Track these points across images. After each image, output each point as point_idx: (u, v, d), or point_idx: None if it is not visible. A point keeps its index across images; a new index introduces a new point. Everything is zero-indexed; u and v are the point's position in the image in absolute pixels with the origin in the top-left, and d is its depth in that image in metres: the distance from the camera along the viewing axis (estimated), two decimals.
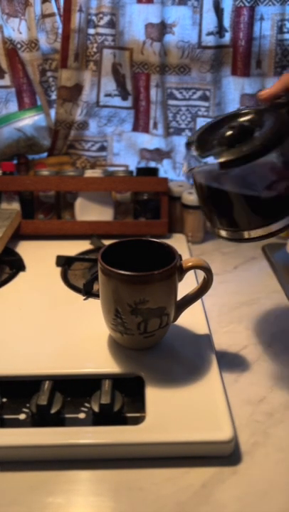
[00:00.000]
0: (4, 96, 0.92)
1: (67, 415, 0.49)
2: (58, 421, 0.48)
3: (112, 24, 0.88)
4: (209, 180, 0.49)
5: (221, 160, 0.45)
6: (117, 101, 0.95)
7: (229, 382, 0.54)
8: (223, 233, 0.52)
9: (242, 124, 0.48)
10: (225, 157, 0.45)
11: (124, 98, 0.95)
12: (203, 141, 0.49)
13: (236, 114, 0.51)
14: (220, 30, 0.88)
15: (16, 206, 0.90)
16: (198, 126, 0.95)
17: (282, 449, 0.46)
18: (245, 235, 0.51)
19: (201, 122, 0.95)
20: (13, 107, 0.94)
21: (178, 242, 0.85)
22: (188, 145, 0.50)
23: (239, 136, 0.47)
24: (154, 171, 0.94)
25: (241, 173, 0.45)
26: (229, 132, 0.48)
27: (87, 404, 0.50)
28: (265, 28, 0.88)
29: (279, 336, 0.62)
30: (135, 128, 0.98)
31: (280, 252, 0.83)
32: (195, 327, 0.61)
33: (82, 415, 0.49)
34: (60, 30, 0.88)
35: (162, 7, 0.86)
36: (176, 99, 0.93)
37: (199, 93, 0.93)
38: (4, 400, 0.50)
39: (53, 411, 0.47)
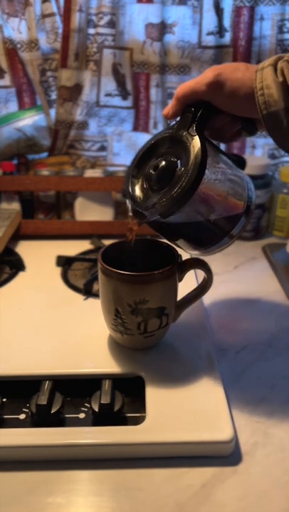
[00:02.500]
0: (4, 96, 0.92)
1: (67, 415, 0.49)
2: (58, 421, 0.48)
3: (112, 24, 0.88)
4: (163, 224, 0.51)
5: (161, 213, 0.47)
6: (117, 101, 0.94)
7: (229, 382, 0.54)
8: (201, 250, 0.55)
9: (163, 165, 0.49)
10: (162, 208, 0.47)
11: (125, 98, 0.94)
12: (135, 189, 0.51)
13: (156, 144, 0.52)
14: (220, 30, 0.88)
15: (16, 206, 0.90)
16: None
17: (282, 449, 0.46)
18: (214, 249, 0.54)
19: None
20: (13, 106, 0.93)
21: None
22: (124, 196, 0.52)
23: (165, 176, 0.48)
24: None
25: (186, 208, 0.47)
26: (154, 176, 0.49)
27: (87, 404, 0.50)
28: (265, 28, 0.87)
29: (279, 336, 0.62)
30: (135, 128, 0.98)
31: (280, 252, 0.83)
32: (195, 327, 0.61)
33: (82, 415, 0.49)
34: (60, 30, 0.88)
35: (162, 7, 0.86)
36: None
37: None
38: (4, 399, 0.50)
39: (52, 411, 0.47)
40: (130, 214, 0.51)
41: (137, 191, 0.51)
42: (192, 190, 0.46)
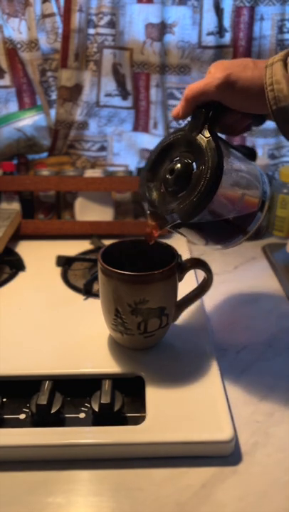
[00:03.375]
0: (4, 96, 0.92)
1: (67, 415, 0.49)
2: (58, 421, 0.48)
3: (112, 24, 0.88)
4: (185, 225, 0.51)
5: (182, 218, 0.47)
6: (117, 101, 0.94)
7: (229, 382, 0.54)
8: (218, 247, 0.56)
9: (179, 168, 0.48)
10: (182, 213, 0.47)
11: (125, 98, 0.94)
12: (153, 195, 0.51)
13: (168, 146, 0.51)
14: (220, 30, 0.88)
15: (16, 206, 0.90)
16: None
17: (282, 449, 0.46)
18: (232, 244, 0.55)
19: None
20: (13, 107, 0.94)
21: (178, 242, 0.85)
22: (141, 201, 0.52)
23: (181, 179, 0.48)
24: None
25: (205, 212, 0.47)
26: (171, 179, 0.49)
27: (87, 404, 0.50)
28: (265, 28, 0.87)
29: (279, 336, 0.62)
30: (135, 128, 0.98)
31: (280, 252, 0.83)
32: (195, 327, 0.61)
33: (82, 415, 0.49)
34: (60, 30, 0.88)
35: (162, 7, 0.86)
36: (176, 99, 0.93)
37: None
38: (4, 399, 0.50)
39: (52, 411, 0.47)
40: (149, 219, 0.51)
41: (154, 195, 0.51)
42: (212, 194, 0.45)
